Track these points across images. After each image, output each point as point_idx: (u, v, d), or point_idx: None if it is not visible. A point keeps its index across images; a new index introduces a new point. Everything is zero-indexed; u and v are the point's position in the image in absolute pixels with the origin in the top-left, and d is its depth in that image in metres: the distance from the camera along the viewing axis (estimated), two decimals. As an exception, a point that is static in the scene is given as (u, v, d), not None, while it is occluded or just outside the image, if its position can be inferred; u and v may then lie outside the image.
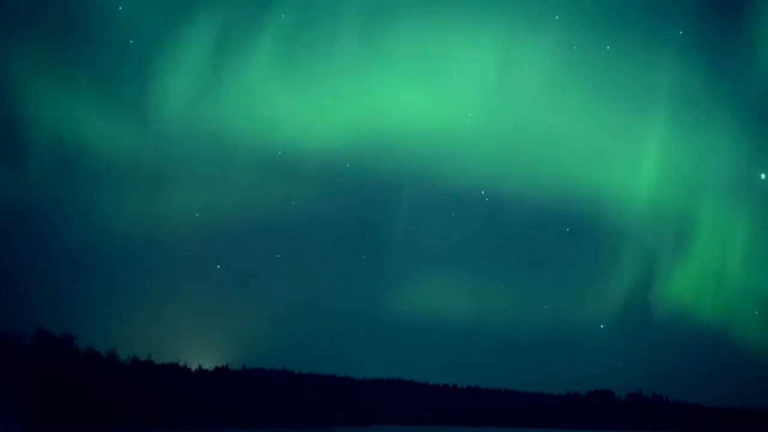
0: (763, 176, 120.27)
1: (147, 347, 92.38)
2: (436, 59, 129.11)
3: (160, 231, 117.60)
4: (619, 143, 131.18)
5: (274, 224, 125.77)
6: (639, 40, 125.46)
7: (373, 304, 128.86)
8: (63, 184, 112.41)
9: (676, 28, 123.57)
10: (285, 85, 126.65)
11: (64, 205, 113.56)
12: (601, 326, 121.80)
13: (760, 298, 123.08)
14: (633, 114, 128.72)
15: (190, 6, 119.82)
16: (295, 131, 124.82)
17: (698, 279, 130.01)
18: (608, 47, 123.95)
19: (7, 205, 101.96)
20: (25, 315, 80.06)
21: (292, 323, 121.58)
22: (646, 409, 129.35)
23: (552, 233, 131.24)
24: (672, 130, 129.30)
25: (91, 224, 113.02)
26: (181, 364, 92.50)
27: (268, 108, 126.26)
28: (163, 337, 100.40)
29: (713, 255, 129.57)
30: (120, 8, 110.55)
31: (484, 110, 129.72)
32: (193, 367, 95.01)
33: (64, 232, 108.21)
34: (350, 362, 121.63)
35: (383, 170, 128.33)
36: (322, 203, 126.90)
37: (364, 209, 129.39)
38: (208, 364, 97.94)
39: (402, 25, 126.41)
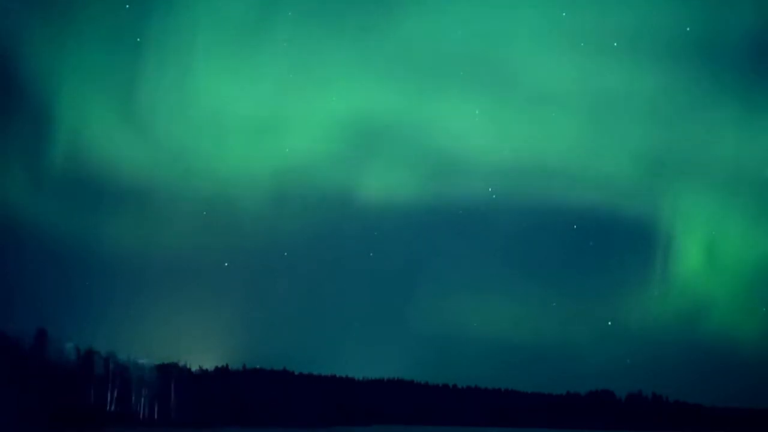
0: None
1: (147, 347, 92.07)
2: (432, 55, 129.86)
3: (164, 230, 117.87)
4: (623, 140, 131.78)
5: (280, 222, 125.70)
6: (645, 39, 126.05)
7: (377, 303, 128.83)
8: (65, 183, 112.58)
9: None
10: (290, 85, 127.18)
11: (65, 204, 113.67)
12: (609, 323, 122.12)
13: (765, 297, 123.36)
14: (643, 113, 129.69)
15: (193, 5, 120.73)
16: (301, 131, 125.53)
17: (702, 278, 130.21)
18: (615, 44, 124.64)
19: (6, 207, 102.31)
20: (25, 315, 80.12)
21: (292, 323, 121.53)
22: (646, 409, 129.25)
23: (557, 230, 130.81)
24: (685, 132, 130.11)
25: (92, 224, 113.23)
26: (181, 364, 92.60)
27: (275, 107, 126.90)
28: (163, 337, 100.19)
29: (718, 254, 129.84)
30: (127, 6, 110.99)
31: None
32: (193, 367, 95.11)
33: (64, 233, 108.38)
34: (350, 362, 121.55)
35: (386, 167, 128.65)
36: (327, 201, 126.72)
37: (369, 207, 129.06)
38: (208, 364, 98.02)
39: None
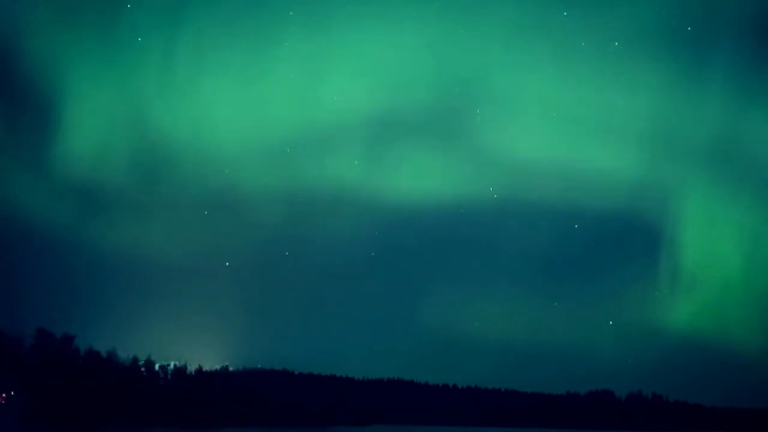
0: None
1: (147, 347, 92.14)
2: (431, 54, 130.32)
3: (165, 231, 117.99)
4: (624, 140, 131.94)
5: (281, 222, 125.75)
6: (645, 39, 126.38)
7: (378, 303, 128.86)
8: (67, 183, 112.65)
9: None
10: (294, 85, 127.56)
11: (67, 204, 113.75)
12: (610, 323, 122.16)
13: (765, 297, 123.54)
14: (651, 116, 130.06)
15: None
16: (303, 131, 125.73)
17: (702, 279, 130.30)
18: (615, 43, 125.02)
19: (5, 208, 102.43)
20: (25, 315, 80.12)
21: (292, 323, 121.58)
22: (646, 409, 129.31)
23: (558, 230, 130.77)
24: (686, 133, 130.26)
25: (93, 223, 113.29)
26: (181, 364, 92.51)
27: (276, 106, 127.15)
28: (163, 337, 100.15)
29: (719, 255, 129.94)
30: (128, 6, 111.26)
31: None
32: (193, 367, 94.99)
33: (66, 232, 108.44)
34: (350, 362, 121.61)
35: (387, 167, 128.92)
36: (329, 201, 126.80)
37: (370, 208, 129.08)
38: (208, 364, 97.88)
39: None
